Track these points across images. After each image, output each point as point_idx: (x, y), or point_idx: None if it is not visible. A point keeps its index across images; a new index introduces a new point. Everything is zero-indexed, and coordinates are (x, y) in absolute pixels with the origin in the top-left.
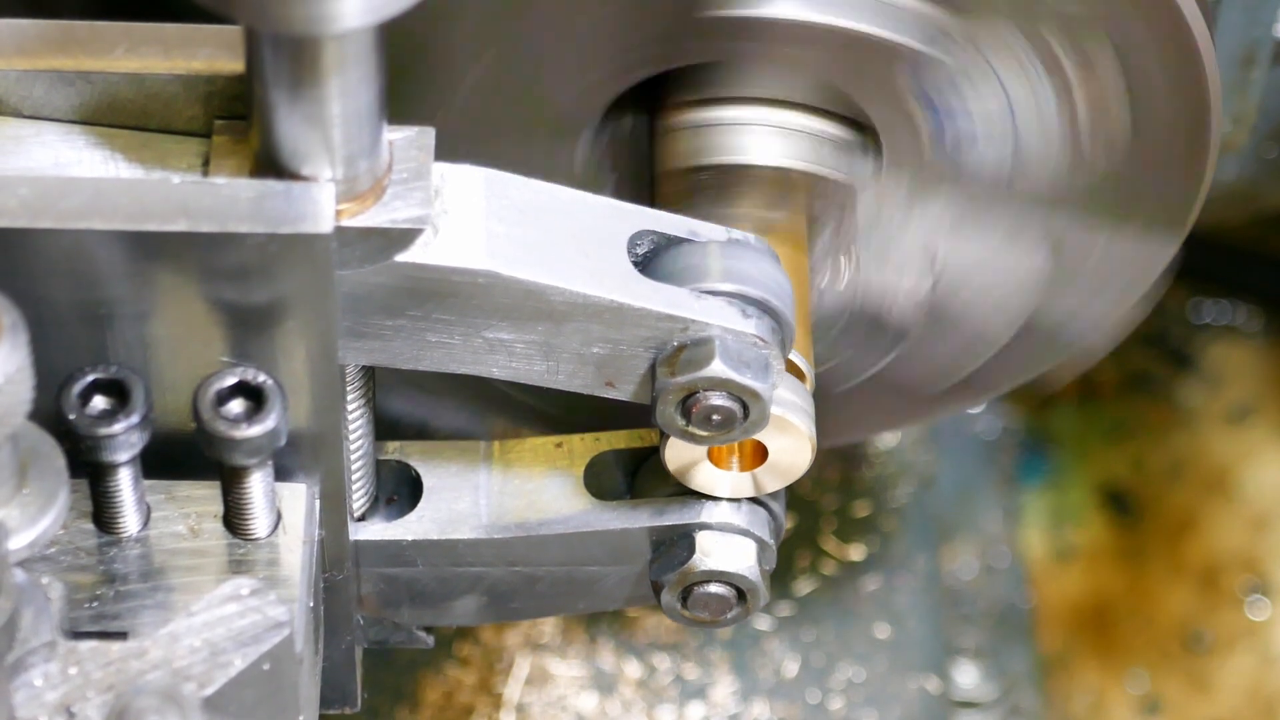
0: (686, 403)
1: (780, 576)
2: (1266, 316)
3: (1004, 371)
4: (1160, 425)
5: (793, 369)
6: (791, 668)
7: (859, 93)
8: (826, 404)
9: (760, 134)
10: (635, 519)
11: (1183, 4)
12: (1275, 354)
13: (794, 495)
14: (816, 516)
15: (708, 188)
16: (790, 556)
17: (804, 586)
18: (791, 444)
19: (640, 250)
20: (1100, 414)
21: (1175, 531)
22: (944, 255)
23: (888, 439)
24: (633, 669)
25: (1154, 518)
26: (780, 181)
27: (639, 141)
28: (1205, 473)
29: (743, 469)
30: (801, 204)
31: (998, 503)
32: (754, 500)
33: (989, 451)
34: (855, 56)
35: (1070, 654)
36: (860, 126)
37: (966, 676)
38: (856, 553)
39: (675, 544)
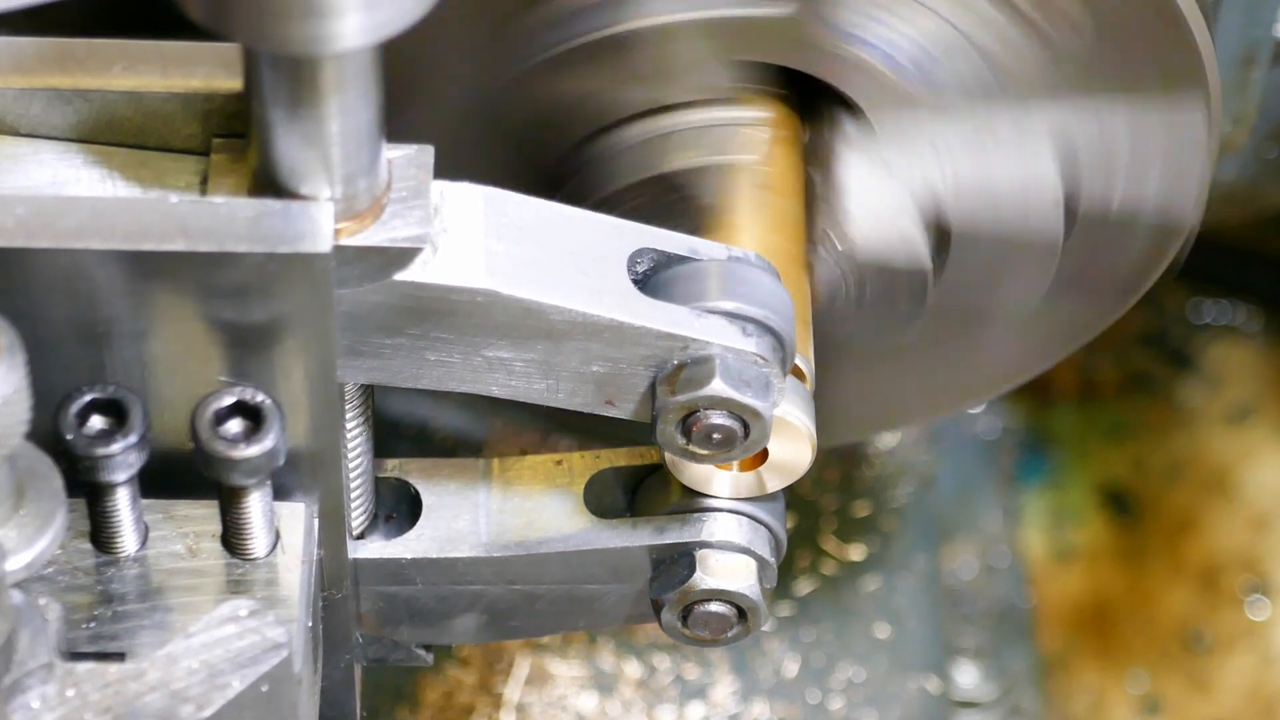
0: (687, 421)
1: (780, 576)
2: (1266, 316)
3: (1122, 266)
4: (1160, 425)
5: (793, 369)
6: (791, 668)
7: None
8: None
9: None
10: (635, 537)
11: (1183, 4)
12: (1275, 354)
13: (794, 495)
14: (816, 516)
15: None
16: (790, 556)
17: (804, 586)
18: (792, 444)
19: (640, 268)
20: (1100, 414)
21: (1175, 531)
22: (944, 182)
23: (888, 439)
24: (633, 669)
25: (1154, 518)
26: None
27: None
28: (1205, 473)
29: (744, 468)
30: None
31: (998, 503)
32: (754, 519)
33: (989, 451)
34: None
35: (1070, 654)
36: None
37: (966, 676)
38: (856, 553)
39: (676, 562)
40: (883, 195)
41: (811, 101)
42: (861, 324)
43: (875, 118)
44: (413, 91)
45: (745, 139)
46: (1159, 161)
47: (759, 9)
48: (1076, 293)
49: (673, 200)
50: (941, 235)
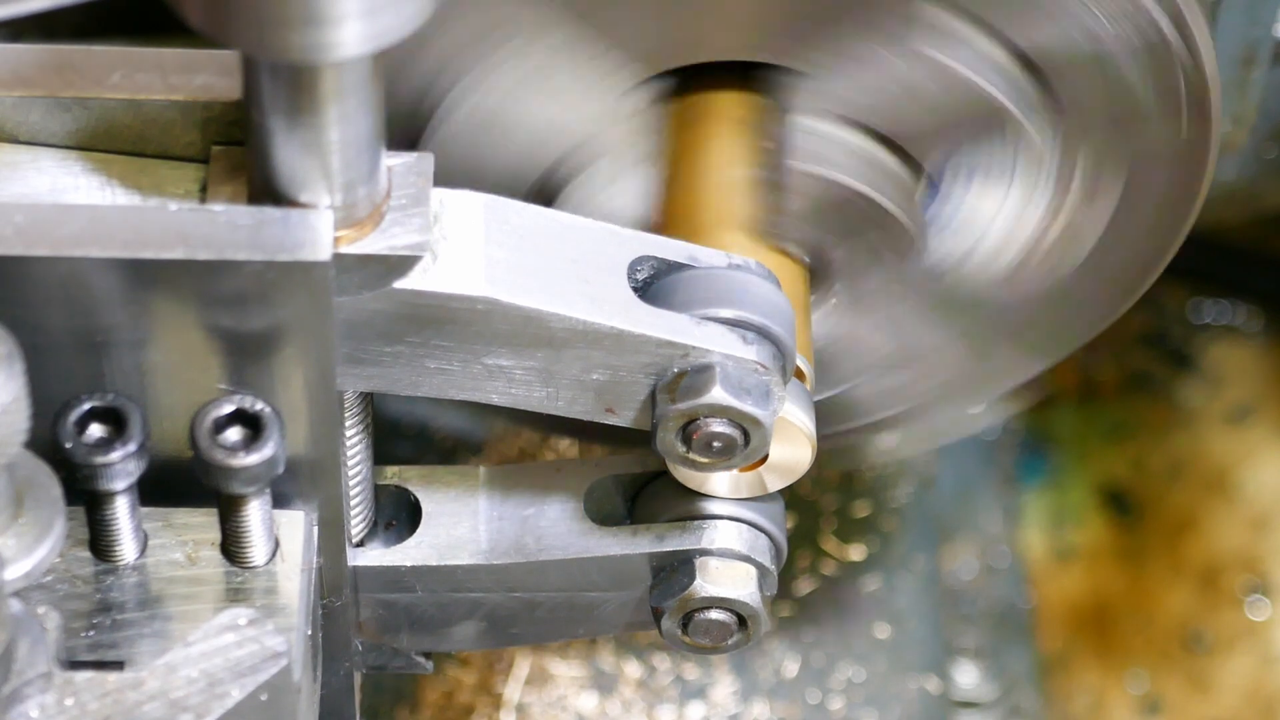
0: (687, 429)
1: (780, 577)
2: (1266, 316)
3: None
4: (1160, 425)
5: (794, 370)
6: (791, 668)
7: (928, 138)
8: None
9: (831, 148)
10: (636, 545)
11: (1183, 4)
12: (1275, 354)
13: (794, 495)
14: (816, 516)
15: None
16: (790, 556)
17: (804, 586)
18: (792, 444)
19: (640, 276)
20: (1100, 414)
21: (1175, 531)
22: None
23: (888, 439)
24: (633, 669)
25: (1154, 518)
26: (831, 196)
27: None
28: (1205, 473)
29: (744, 469)
30: (837, 223)
31: (998, 503)
32: (755, 526)
33: (989, 451)
34: (952, 103)
35: (1070, 654)
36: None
37: (966, 676)
38: (856, 553)
39: (676, 570)
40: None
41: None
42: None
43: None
44: None
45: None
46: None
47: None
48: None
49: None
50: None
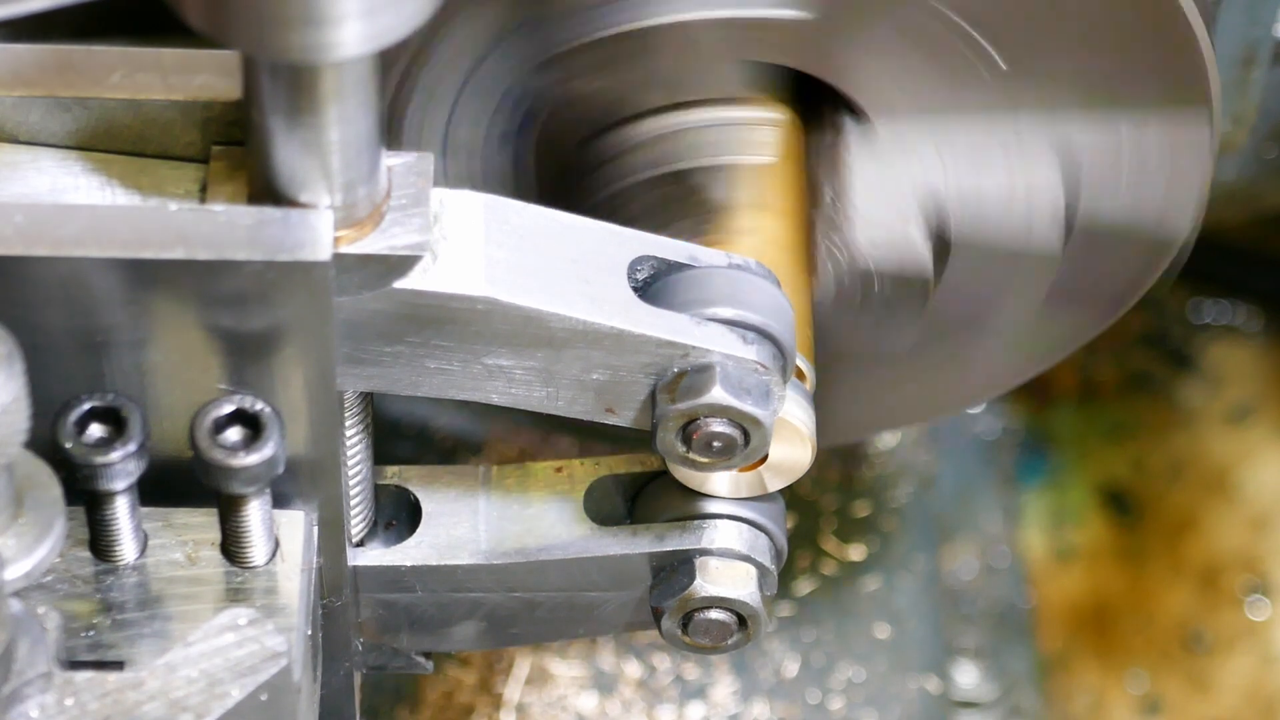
0: (687, 429)
1: (781, 577)
2: (1266, 316)
3: (1116, 280)
4: (1160, 425)
5: (794, 370)
6: (791, 668)
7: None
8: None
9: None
10: (636, 545)
11: (1183, 3)
12: (1275, 354)
13: (794, 495)
14: (816, 516)
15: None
16: (790, 556)
17: (804, 586)
18: (792, 444)
19: (640, 276)
20: (1100, 414)
21: (1175, 531)
22: (946, 191)
23: (888, 439)
24: (633, 669)
25: (1154, 518)
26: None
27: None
28: (1205, 473)
29: (744, 468)
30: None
31: (998, 503)
32: (755, 525)
33: (989, 451)
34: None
35: (1070, 654)
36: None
37: (966, 676)
38: (856, 553)
39: (676, 570)
40: (888, 201)
41: (816, 105)
42: (861, 329)
43: (881, 124)
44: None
45: (755, 139)
46: (1159, 175)
47: (776, 10)
48: (1071, 302)
49: (681, 197)
50: (942, 243)
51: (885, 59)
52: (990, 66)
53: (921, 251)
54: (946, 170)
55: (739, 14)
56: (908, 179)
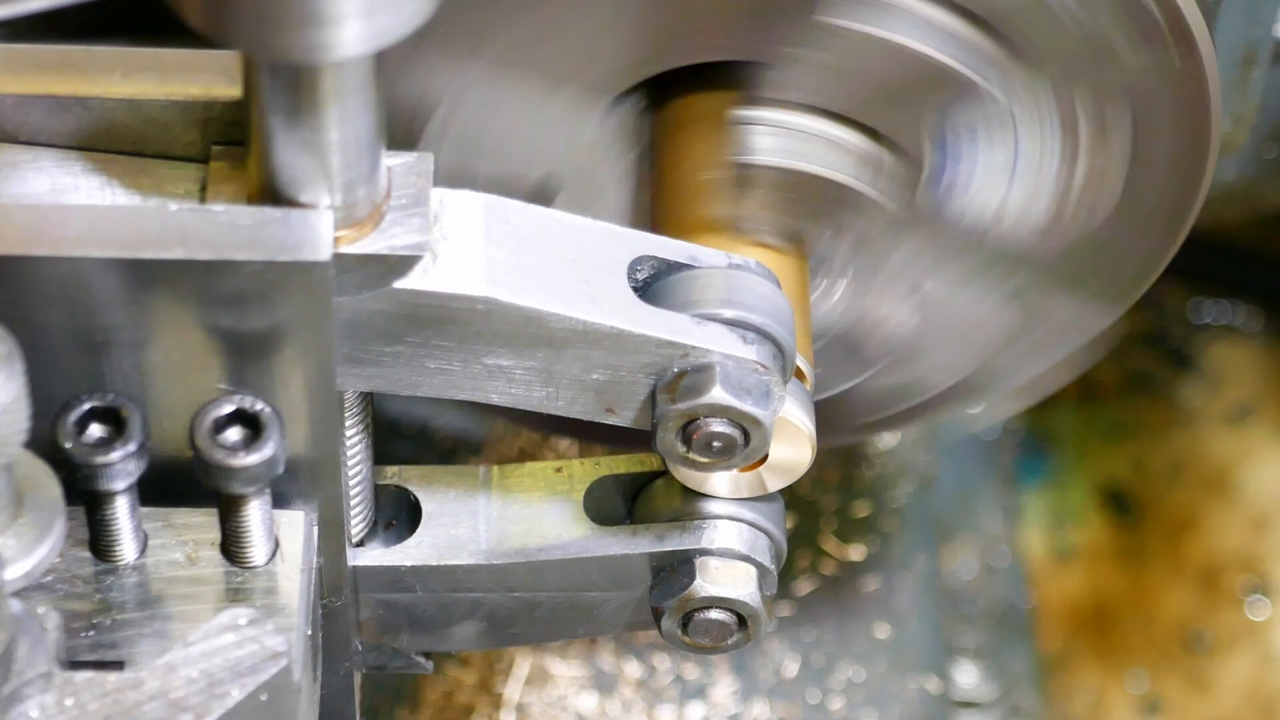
0: (687, 429)
1: (780, 577)
2: (1266, 316)
3: (923, 409)
4: (1160, 425)
5: (794, 370)
6: (791, 668)
7: (890, 113)
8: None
9: (794, 138)
10: (635, 545)
11: (1183, 4)
12: (1275, 354)
13: (794, 495)
14: (816, 516)
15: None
16: (790, 556)
17: (804, 586)
18: (792, 444)
19: (640, 276)
20: (1100, 414)
21: (1175, 531)
22: (926, 291)
23: (888, 439)
24: (633, 669)
25: (1154, 518)
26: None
27: (643, 130)
28: (1205, 473)
29: (744, 469)
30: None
31: (998, 503)
32: (755, 526)
33: (989, 451)
34: (904, 77)
35: (1070, 654)
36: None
37: (966, 676)
38: (856, 553)
39: (676, 570)
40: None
41: None
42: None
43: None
44: None
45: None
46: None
47: (956, 63)
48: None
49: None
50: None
51: (928, 143)
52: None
53: (892, 332)
54: (929, 273)
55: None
56: (903, 263)
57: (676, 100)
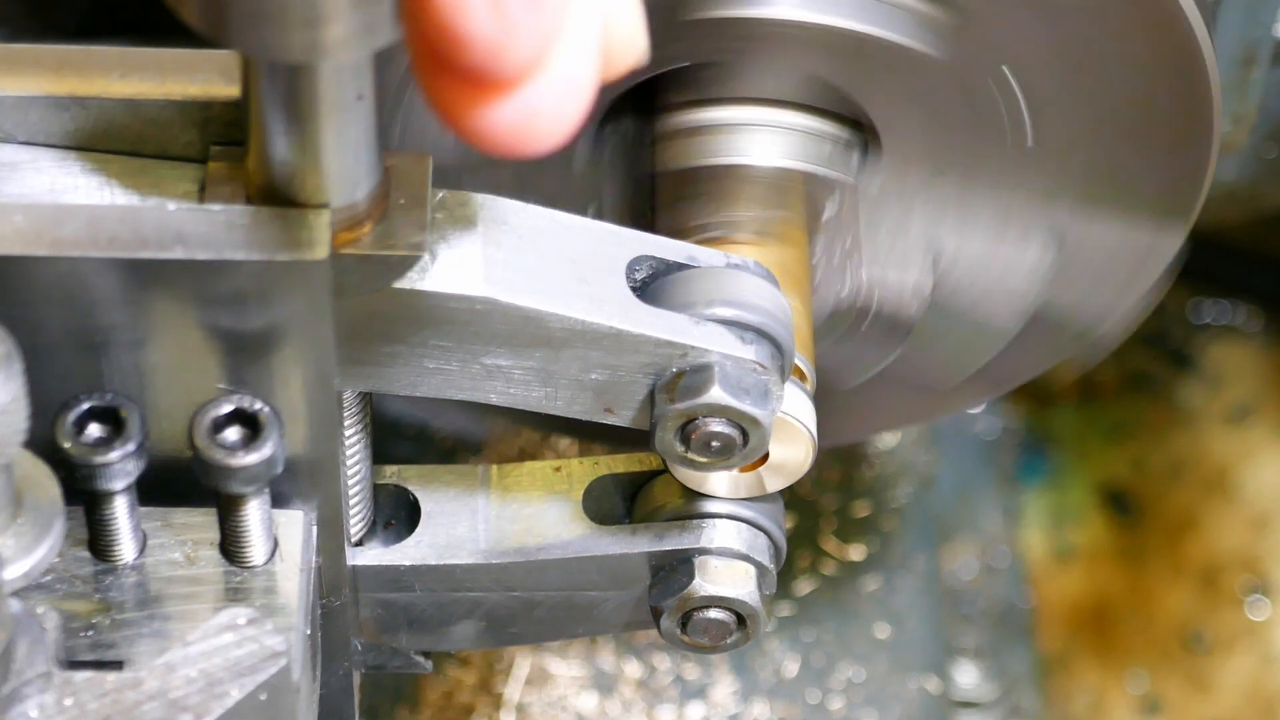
0: (686, 429)
1: (780, 576)
2: (1266, 316)
3: (1016, 365)
4: (1160, 425)
5: (794, 370)
6: (791, 668)
7: (859, 93)
8: (835, 402)
9: (759, 134)
10: (634, 544)
11: (1183, 3)
12: (1275, 354)
13: (794, 495)
14: (816, 516)
15: (705, 190)
16: (790, 556)
17: (804, 586)
18: (793, 444)
19: (639, 275)
20: (1100, 414)
21: (1175, 531)
22: (949, 250)
23: (888, 439)
24: (633, 669)
25: (1154, 518)
26: (780, 181)
27: (637, 144)
28: (1205, 473)
29: (744, 469)
30: (801, 203)
31: (998, 503)
32: (754, 525)
33: (989, 451)
34: (859, 58)
35: (1070, 654)
36: (855, 124)
37: (966, 676)
38: (856, 553)
39: (675, 569)
40: (905, 239)
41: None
42: (833, 358)
43: (900, 168)
44: None
45: (827, 152)
46: (1115, 280)
47: (902, 38)
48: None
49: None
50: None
51: (927, 107)
52: (1018, 140)
53: (917, 299)
54: (950, 230)
55: (856, 29)
56: (920, 227)
57: (656, 114)
